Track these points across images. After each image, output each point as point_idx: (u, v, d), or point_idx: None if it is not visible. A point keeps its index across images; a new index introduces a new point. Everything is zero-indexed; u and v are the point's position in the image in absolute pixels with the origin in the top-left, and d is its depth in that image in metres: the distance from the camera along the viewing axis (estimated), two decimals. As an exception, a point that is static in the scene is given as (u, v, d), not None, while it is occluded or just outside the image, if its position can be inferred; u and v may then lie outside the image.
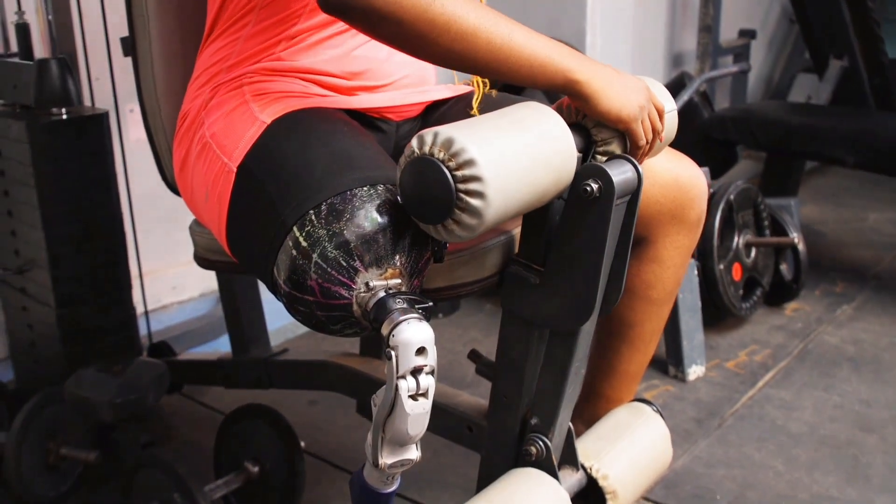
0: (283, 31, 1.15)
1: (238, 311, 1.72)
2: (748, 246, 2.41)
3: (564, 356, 1.12)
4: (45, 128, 1.69)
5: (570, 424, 1.19)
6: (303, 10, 1.14)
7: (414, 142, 0.91)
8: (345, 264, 0.92)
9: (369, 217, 0.93)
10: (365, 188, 0.95)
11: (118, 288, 1.86)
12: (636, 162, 1.04)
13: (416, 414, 0.91)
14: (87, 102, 1.99)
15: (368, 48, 1.19)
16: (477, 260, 1.18)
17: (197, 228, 1.39)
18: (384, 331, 0.90)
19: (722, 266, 2.29)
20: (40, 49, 1.76)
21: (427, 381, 0.91)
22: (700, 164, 2.69)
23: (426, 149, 0.90)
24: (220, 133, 1.12)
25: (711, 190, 2.32)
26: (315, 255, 0.92)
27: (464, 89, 1.35)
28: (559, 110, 1.06)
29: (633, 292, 1.37)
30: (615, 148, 1.05)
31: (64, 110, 1.73)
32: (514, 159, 0.91)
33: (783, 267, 2.54)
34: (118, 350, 1.86)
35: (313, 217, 0.94)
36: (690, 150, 2.81)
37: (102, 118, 1.76)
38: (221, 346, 2.37)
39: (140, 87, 1.44)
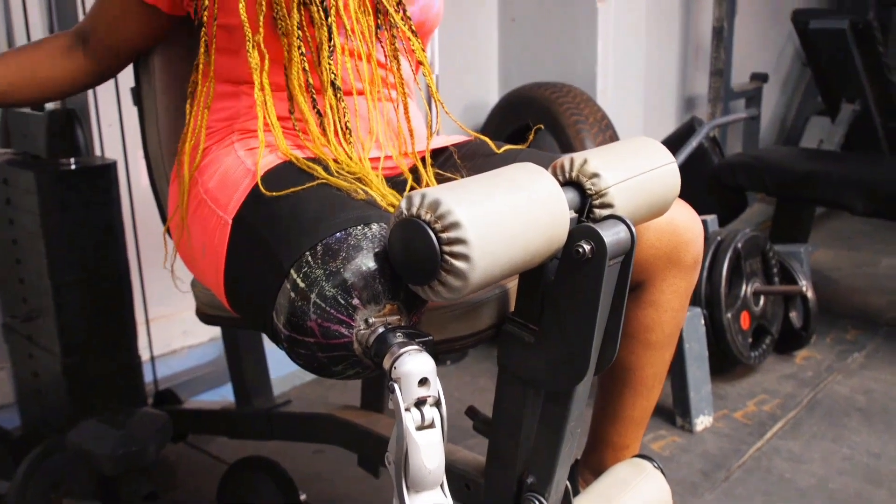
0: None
1: (241, 362, 1.73)
2: (757, 294, 2.40)
3: (559, 416, 1.11)
4: (53, 178, 1.71)
5: (568, 483, 1.18)
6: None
7: (403, 203, 0.91)
8: (343, 302, 0.92)
9: (365, 254, 0.94)
10: (359, 227, 0.97)
11: (123, 336, 1.87)
12: (629, 222, 1.03)
13: (427, 444, 0.90)
14: (98, 148, 2.01)
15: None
16: (471, 314, 1.18)
17: (198, 284, 1.40)
18: (386, 364, 0.90)
19: (730, 315, 2.27)
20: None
21: (431, 413, 0.90)
22: (710, 210, 2.71)
23: (413, 210, 0.90)
24: (214, 189, 1.14)
25: (719, 238, 2.32)
26: (313, 296, 0.92)
27: (456, 139, 1.36)
28: (554, 171, 1.06)
29: (632, 336, 1.37)
30: (612, 199, 1.06)
31: (73, 160, 1.75)
32: (502, 221, 0.91)
33: (793, 315, 2.53)
34: (123, 398, 1.86)
35: (310, 258, 0.94)
36: (700, 195, 2.82)
37: (110, 168, 1.78)
38: (230, 393, 2.37)
39: (145, 138, 1.46)
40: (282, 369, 2.33)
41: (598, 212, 1.06)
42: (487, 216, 0.90)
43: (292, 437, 1.70)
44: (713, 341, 2.27)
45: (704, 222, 2.33)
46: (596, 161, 1.07)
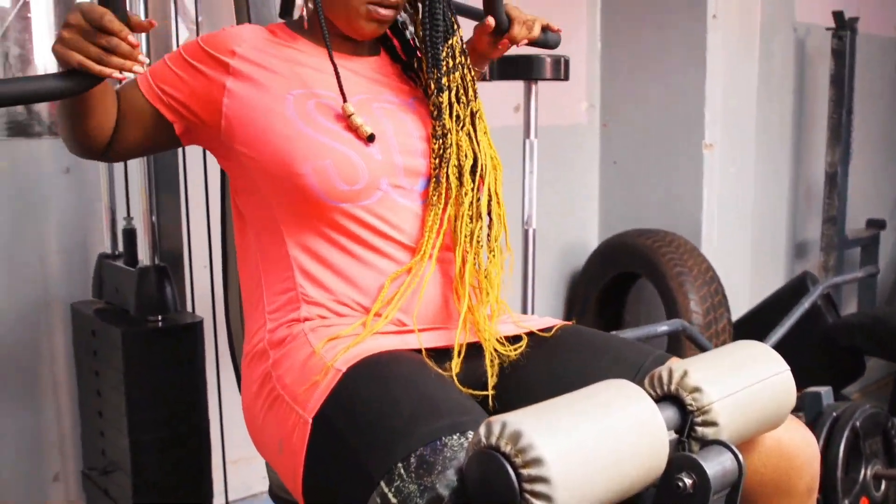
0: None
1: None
2: (878, 478, 2.19)
3: None
4: (139, 337, 1.70)
5: None
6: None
7: (482, 430, 0.84)
8: (438, 522, 0.85)
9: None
10: (455, 436, 0.91)
11: (198, 494, 1.81)
12: (737, 451, 0.92)
13: None
14: (189, 291, 2.01)
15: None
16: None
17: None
18: None
19: (847, 501, 2.08)
20: (145, 247, 1.79)
21: None
22: (821, 373, 2.53)
23: (493, 440, 0.82)
24: (291, 384, 1.08)
25: (835, 413, 2.14)
26: None
27: (532, 323, 1.26)
28: (651, 383, 0.97)
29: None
30: (716, 416, 0.95)
31: (160, 318, 1.74)
32: (591, 455, 0.82)
33: (919, 497, 2.30)
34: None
35: (402, 471, 0.89)
36: (813, 358, 2.65)
37: (197, 327, 1.76)
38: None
39: (227, 303, 1.43)
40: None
41: (701, 430, 0.96)
42: (574, 450, 0.82)
43: None
44: (828, 527, 2.07)
45: (818, 395, 2.16)
46: (697, 373, 0.97)
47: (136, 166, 1.82)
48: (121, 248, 1.89)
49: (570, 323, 1.27)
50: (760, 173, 3.45)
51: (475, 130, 1.23)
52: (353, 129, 1.16)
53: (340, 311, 1.15)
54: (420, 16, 1.26)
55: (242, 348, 1.36)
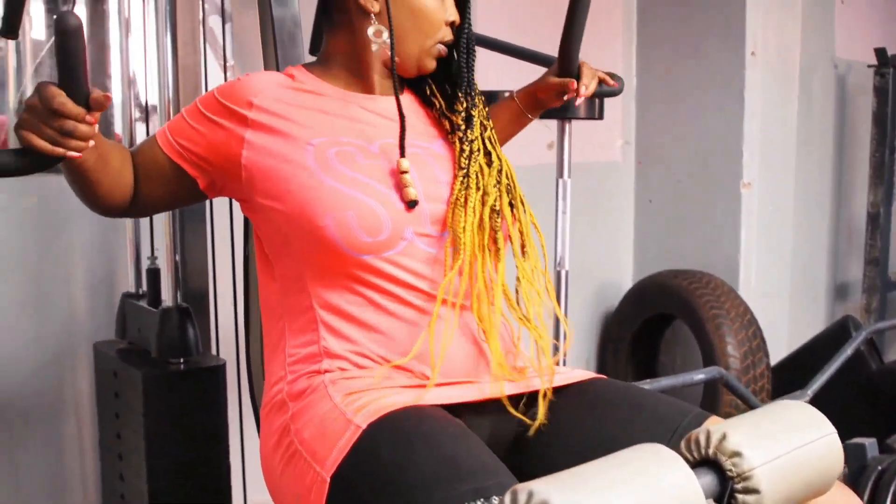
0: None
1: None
2: (927, 537, 2.10)
3: None
4: (160, 380, 1.66)
5: None
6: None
7: (507, 499, 0.78)
8: None
9: None
10: (478, 502, 0.88)
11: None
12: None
13: None
14: (213, 341, 1.98)
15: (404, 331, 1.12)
16: None
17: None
18: None
19: (895, 561, 1.98)
20: (168, 286, 1.76)
21: None
22: (862, 422, 2.44)
23: (518, 511, 0.76)
24: (310, 439, 1.04)
25: (880, 467, 2.05)
26: None
27: (564, 378, 1.20)
28: (687, 446, 0.91)
29: None
30: (757, 483, 0.89)
31: (182, 360, 1.70)
32: (623, 528, 0.76)
33: (970, 555, 2.19)
34: None
35: None
36: (856, 407, 2.56)
37: (219, 370, 1.72)
38: None
39: (248, 347, 1.40)
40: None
41: (742, 498, 0.90)
42: (604, 523, 0.76)
43: None
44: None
45: (861, 446, 2.07)
46: (737, 436, 0.91)
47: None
48: (145, 286, 1.87)
49: (603, 377, 1.21)
50: (800, 213, 3.38)
51: (501, 164, 1.20)
52: (399, 187, 1.13)
53: (362, 363, 1.10)
54: (455, 50, 1.24)
55: (262, 393, 1.32)
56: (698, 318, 2.79)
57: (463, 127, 1.19)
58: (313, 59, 1.29)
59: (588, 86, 1.34)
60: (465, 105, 1.21)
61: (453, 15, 1.21)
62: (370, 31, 1.18)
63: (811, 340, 2.85)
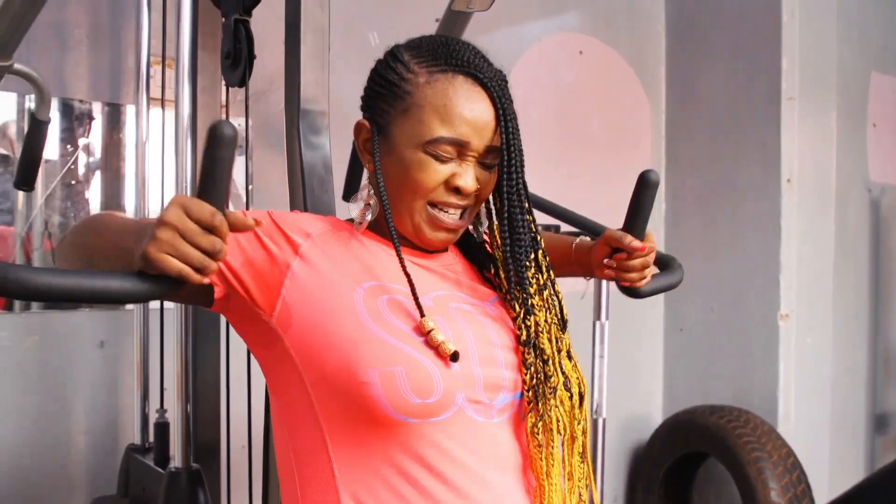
0: None
1: None
2: None
3: None
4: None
5: None
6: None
7: None
8: None
9: None
10: None
11: None
12: None
13: None
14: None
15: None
16: None
17: None
18: None
19: None
20: (177, 442, 1.61)
21: None
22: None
23: None
24: None
25: None
26: None
27: None
28: None
29: None
30: None
31: (190, 527, 1.54)
32: None
33: None
34: None
35: None
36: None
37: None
38: None
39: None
40: None
41: None
42: None
43: None
44: None
45: None
46: None
47: (172, 349, 1.66)
48: (151, 438, 1.72)
49: None
50: (840, 343, 3.23)
51: (569, 355, 1.07)
52: (433, 347, 0.98)
53: None
54: (499, 222, 1.10)
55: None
56: (737, 460, 2.61)
57: (518, 309, 1.06)
58: (345, 204, 1.17)
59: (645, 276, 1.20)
60: (520, 291, 1.07)
61: (461, 179, 1.03)
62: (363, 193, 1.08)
63: (865, 481, 2.68)
